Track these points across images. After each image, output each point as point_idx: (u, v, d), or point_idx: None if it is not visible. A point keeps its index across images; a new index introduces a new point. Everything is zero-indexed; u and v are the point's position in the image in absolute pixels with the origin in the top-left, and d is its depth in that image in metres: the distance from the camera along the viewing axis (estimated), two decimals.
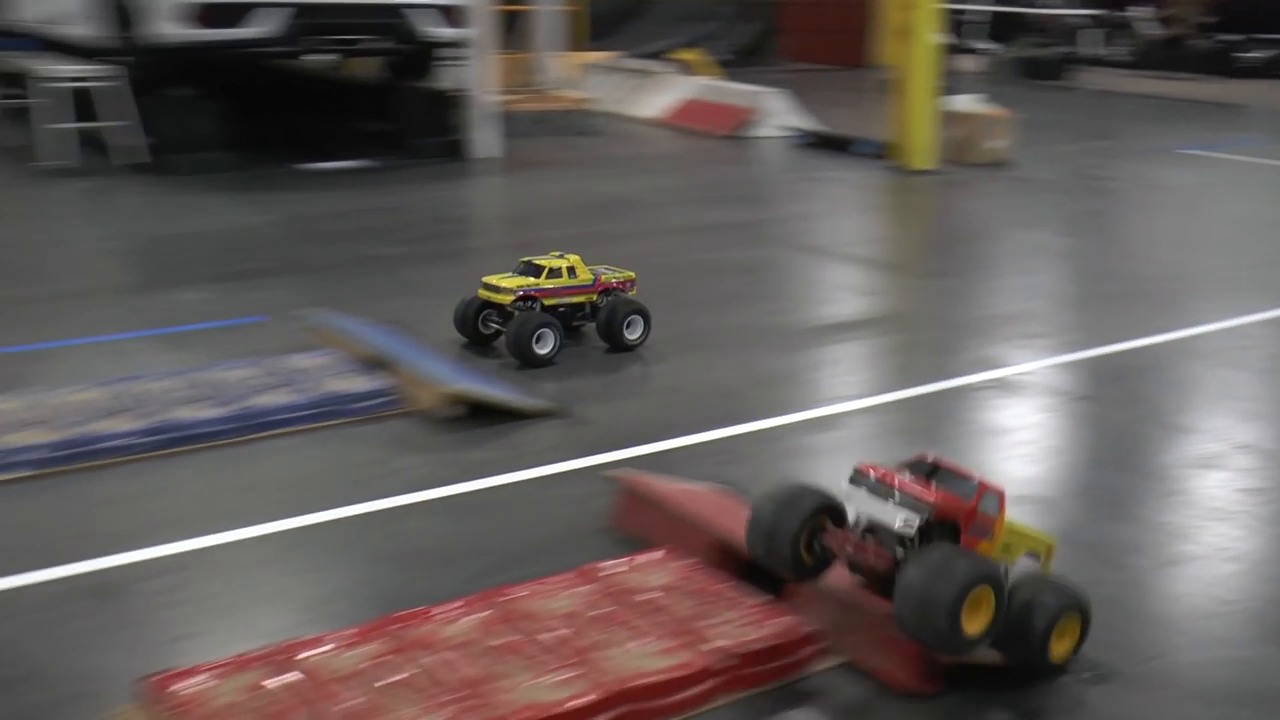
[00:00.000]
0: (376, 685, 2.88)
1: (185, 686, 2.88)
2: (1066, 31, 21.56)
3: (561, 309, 5.53)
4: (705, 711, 2.99)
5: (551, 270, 5.49)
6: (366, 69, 12.39)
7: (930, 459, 3.37)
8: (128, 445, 4.40)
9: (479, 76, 11.20)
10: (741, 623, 3.16)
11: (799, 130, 12.75)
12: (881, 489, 3.25)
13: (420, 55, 11.24)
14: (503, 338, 5.51)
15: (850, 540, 3.27)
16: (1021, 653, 3.17)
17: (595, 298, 5.64)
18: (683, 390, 5.31)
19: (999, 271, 7.85)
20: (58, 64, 10.15)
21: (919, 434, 4.83)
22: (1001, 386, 5.40)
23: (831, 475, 4.27)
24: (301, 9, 9.62)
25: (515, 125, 11.96)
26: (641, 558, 3.51)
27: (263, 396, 4.76)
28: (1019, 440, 4.81)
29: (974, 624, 2.98)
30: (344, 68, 12.70)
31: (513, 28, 13.94)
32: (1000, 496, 3.27)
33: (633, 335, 5.65)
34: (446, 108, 11.28)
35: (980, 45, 20.39)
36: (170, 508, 4.09)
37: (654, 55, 15.94)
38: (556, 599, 3.27)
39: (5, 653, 3.24)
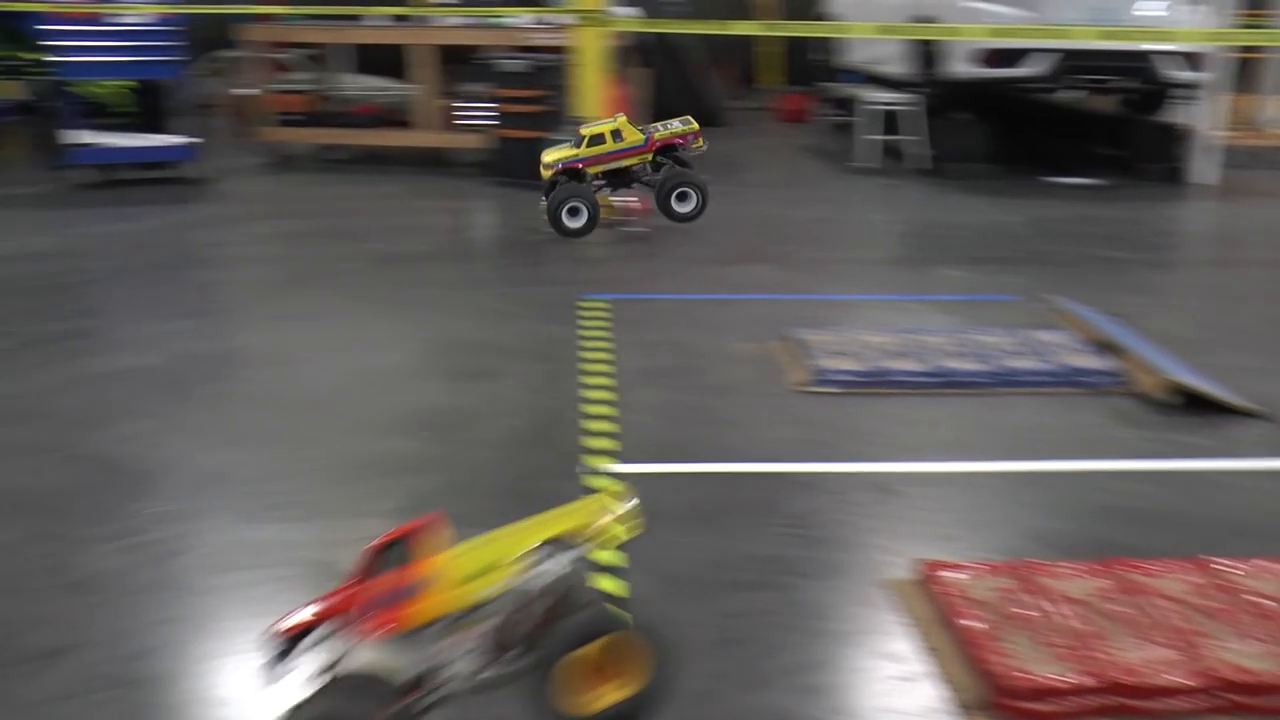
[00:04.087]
0: (1099, 614, 2.69)
1: (949, 575, 2.85)
2: None
3: (616, 173, 4.27)
4: None
5: (592, 138, 4.28)
6: (1104, 103, 11.63)
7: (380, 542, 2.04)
8: (910, 381, 4.44)
9: (1207, 113, 10.13)
10: None
11: None
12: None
13: (1157, 94, 10.35)
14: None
15: None
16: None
17: (651, 157, 4.32)
18: None
19: None
20: (875, 92, 10.42)
21: None
22: None
23: None
24: (1068, 54, 9.16)
25: (1232, 158, 10.71)
26: None
27: (1013, 360, 4.61)
28: None
29: None
30: (1085, 101, 12.00)
31: (1243, 71, 12.46)
32: (408, 533, 2.01)
33: (684, 208, 4.28)
34: (1172, 139, 10.32)
35: None
36: (937, 434, 4.08)
37: None
38: (1263, 580, 2.88)
39: (814, 519, 3.39)
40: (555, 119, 7.50)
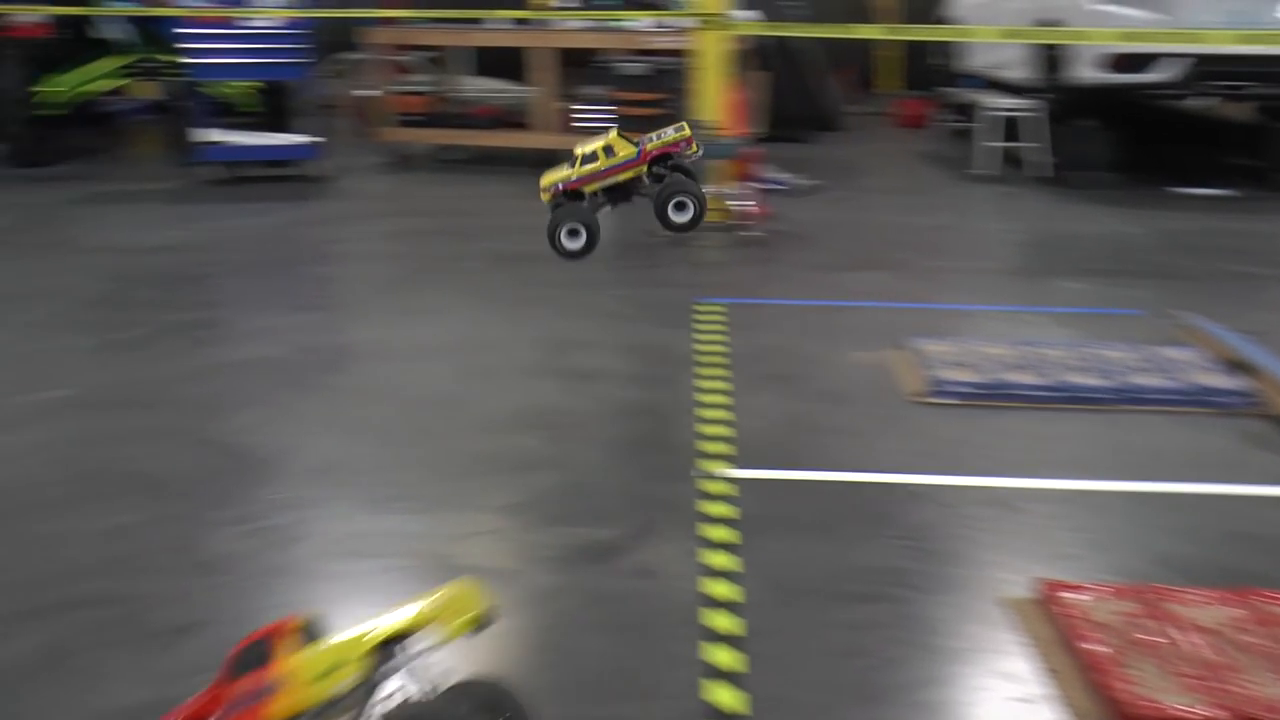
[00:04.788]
0: (1232, 645, 2.58)
1: (1071, 596, 2.77)
2: None
3: (616, 188, 4.12)
4: None
5: (585, 157, 4.15)
6: (1238, 110, 11.20)
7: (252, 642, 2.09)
8: (1030, 395, 4.32)
9: None
10: None
11: None
12: None
13: None
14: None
15: None
16: None
17: (646, 169, 4.16)
18: None
19: None
20: (996, 98, 10.21)
21: None
22: None
23: None
24: (1201, 59, 8.83)
25: None
26: None
27: (1138, 376, 4.45)
28: None
29: None
30: (1217, 108, 11.57)
31: None
32: (268, 634, 2.08)
33: (681, 218, 4.10)
34: None
35: None
36: (1058, 450, 3.97)
37: None
38: None
39: (930, 532, 3.33)
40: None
